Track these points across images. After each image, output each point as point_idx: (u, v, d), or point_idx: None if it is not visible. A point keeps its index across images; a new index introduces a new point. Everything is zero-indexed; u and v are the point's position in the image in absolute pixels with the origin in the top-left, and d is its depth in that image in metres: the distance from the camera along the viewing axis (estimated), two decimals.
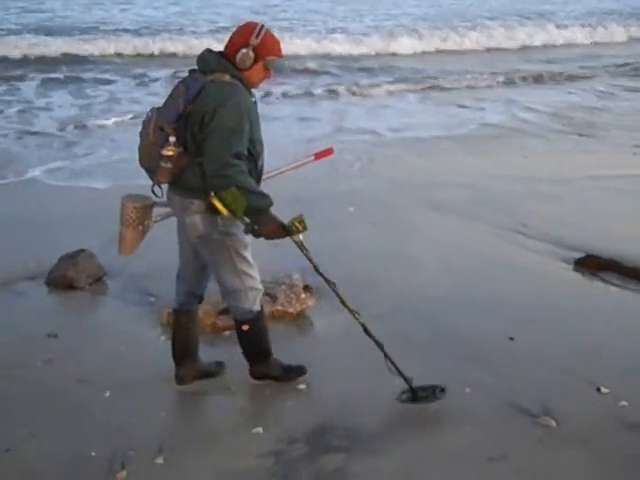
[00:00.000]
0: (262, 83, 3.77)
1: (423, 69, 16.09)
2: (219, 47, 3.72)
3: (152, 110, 3.69)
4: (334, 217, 6.69)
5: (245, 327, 4.00)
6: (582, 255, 5.91)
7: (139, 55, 17.12)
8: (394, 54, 18.44)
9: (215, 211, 3.63)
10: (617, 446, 3.65)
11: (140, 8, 26.02)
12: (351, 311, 3.95)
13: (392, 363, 3.93)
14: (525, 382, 4.16)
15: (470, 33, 20.72)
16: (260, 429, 3.74)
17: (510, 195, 7.48)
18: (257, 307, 3.98)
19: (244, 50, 3.59)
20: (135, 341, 4.62)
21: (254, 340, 4.09)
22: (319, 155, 4.67)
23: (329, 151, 4.72)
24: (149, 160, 3.67)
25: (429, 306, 5.06)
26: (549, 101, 13.03)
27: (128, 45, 17.67)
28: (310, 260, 3.86)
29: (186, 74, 3.71)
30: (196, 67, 3.67)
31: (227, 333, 4.66)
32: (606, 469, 3.50)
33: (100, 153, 9.20)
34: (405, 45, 19.13)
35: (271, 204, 3.63)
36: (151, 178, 3.75)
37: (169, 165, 3.58)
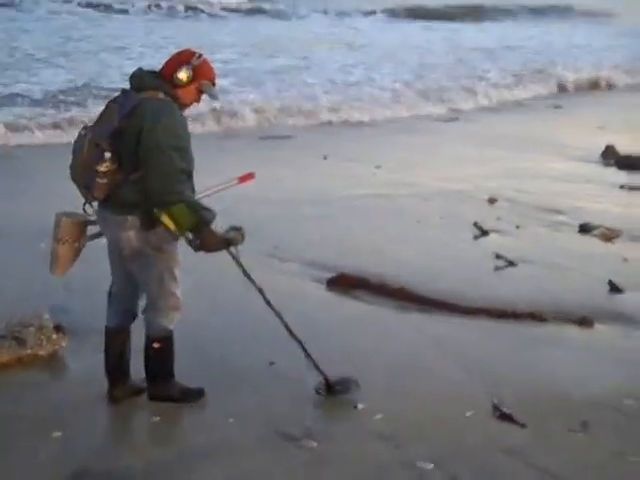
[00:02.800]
0: (191, 106, 3.93)
1: None
2: None
3: (85, 128, 3.78)
4: None
5: (157, 345, 4.05)
6: (333, 275, 6.14)
7: None
8: None
9: (149, 227, 3.74)
10: (373, 457, 3.81)
11: None
12: (277, 313, 4.25)
13: (310, 357, 4.27)
14: (287, 406, 4.23)
15: None
16: None
17: (260, 218, 7.56)
18: (172, 327, 4.06)
19: (184, 67, 3.77)
20: None
21: (162, 359, 4.12)
22: (242, 179, 4.60)
23: (250, 175, 4.68)
24: (83, 177, 3.72)
25: (187, 340, 4.97)
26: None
27: None
28: (242, 269, 4.08)
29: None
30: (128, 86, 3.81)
31: None
32: None
33: None
34: None
35: (215, 217, 3.77)
36: (84, 195, 3.81)
37: (104, 181, 3.67)
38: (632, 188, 9.33)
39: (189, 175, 3.77)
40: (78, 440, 3.86)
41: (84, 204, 3.85)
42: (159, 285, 3.93)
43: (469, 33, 25.95)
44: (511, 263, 6.62)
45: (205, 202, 3.93)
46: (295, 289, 5.96)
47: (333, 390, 4.30)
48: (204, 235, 3.78)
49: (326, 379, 4.29)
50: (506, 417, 4.20)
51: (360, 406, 4.24)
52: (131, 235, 3.79)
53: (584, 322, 5.52)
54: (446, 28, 26.59)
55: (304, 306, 5.62)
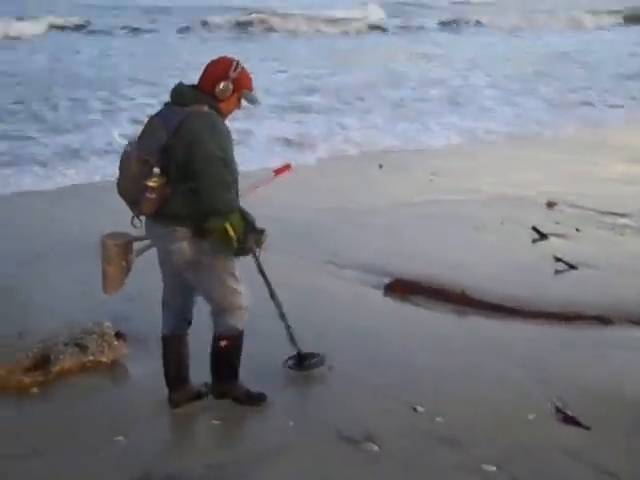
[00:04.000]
0: (232, 114, 4.00)
1: None
2: None
3: (130, 144, 3.87)
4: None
5: (223, 343, 4.11)
6: (391, 280, 6.10)
7: None
8: None
9: (199, 235, 3.81)
10: (435, 460, 3.77)
11: None
12: (277, 304, 4.41)
13: (290, 331, 4.45)
14: (346, 410, 4.21)
15: None
16: None
17: (318, 226, 7.58)
18: (240, 327, 4.12)
19: (224, 82, 3.83)
20: None
21: (228, 358, 4.18)
22: (278, 171, 4.67)
23: (287, 167, 4.74)
24: (132, 192, 3.79)
25: (247, 344, 4.99)
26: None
27: None
28: (259, 267, 4.22)
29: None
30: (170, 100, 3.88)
31: (35, 390, 4.39)
32: None
33: None
34: None
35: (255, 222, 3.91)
36: (132, 210, 3.89)
37: (154, 196, 3.73)
38: None
39: (235, 184, 3.86)
40: (140, 444, 3.90)
41: (132, 218, 3.92)
42: (221, 287, 3.99)
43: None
44: (572, 266, 6.50)
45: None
46: (353, 295, 5.94)
47: (305, 365, 4.51)
48: (248, 239, 3.88)
49: (299, 353, 4.49)
50: (570, 420, 4.12)
51: (420, 409, 4.21)
52: (184, 246, 3.86)
53: None
54: None
55: (362, 311, 5.62)
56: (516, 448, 3.89)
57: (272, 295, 4.40)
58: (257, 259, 4.16)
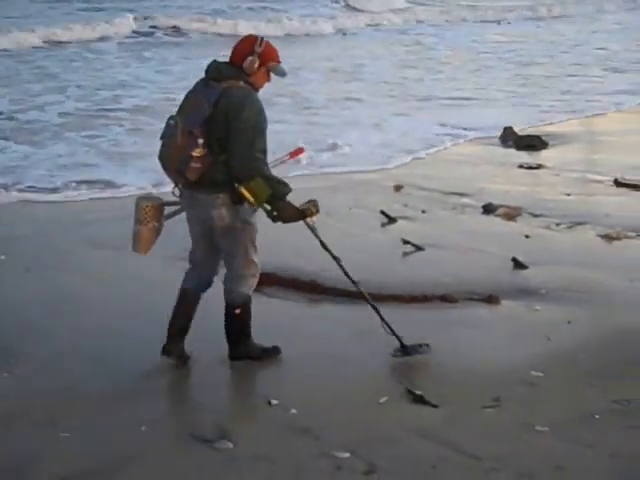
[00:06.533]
0: (264, 86, 4.35)
1: None
2: None
3: (174, 118, 4.17)
4: None
5: (238, 311, 4.48)
6: None
7: None
8: None
9: (238, 202, 4.16)
10: (290, 452, 3.80)
11: None
12: (354, 282, 4.68)
13: (387, 324, 4.67)
14: (199, 409, 4.19)
15: None
16: None
17: (171, 222, 7.43)
18: (250, 293, 4.51)
19: (250, 57, 4.17)
20: None
21: (241, 323, 4.54)
22: (293, 154, 4.82)
23: (300, 150, 4.98)
24: (177, 162, 4.14)
25: (99, 349, 4.85)
26: None
27: None
28: (319, 239, 4.54)
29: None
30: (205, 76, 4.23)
31: None
32: (282, 477, 3.62)
33: None
34: None
35: (290, 191, 4.22)
36: (175, 180, 4.29)
37: (199, 165, 4.08)
38: (530, 167, 9.62)
39: (265, 154, 4.19)
40: None
41: (174, 188, 4.33)
42: (244, 255, 4.37)
43: None
44: (419, 248, 6.71)
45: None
46: (209, 291, 5.87)
47: (408, 352, 4.66)
48: (280, 207, 4.22)
49: (402, 343, 4.65)
50: (419, 399, 4.26)
51: (274, 402, 4.23)
52: (223, 212, 4.21)
53: (491, 300, 5.65)
54: None
55: (218, 306, 5.55)
56: (369, 432, 3.97)
57: (346, 274, 4.72)
58: (312, 230, 4.52)
